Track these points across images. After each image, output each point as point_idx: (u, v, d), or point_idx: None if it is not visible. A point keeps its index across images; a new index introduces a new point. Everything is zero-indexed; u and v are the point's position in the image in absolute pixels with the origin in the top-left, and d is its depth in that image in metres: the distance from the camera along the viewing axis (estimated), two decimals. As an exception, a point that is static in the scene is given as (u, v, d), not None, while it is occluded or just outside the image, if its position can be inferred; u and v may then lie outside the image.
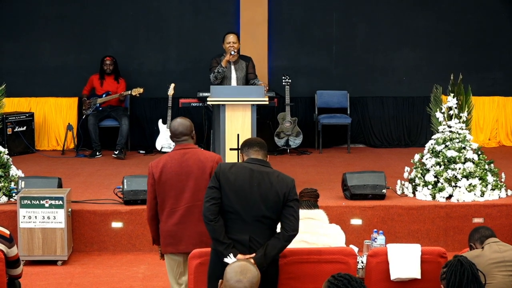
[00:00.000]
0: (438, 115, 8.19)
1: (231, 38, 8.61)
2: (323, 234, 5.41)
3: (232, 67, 8.64)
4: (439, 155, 7.94)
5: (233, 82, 8.61)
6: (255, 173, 4.71)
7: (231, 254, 4.60)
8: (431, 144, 8.13)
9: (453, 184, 7.83)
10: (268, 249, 4.63)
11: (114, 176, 9.08)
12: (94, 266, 7.21)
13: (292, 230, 4.68)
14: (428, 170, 7.96)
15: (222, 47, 8.90)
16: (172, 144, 10.57)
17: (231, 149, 7.45)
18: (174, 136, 5.48)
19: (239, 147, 4.99)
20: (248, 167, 4.74)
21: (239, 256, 4.61)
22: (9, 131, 10.49)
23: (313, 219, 5.45)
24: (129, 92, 10.59)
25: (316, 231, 5.41)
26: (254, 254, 4.63)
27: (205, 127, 10.69)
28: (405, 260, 5.28)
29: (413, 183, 8.03)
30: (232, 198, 4.66)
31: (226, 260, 4.58)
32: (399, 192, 8.07)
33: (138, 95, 10.57)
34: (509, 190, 8.00)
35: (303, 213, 5.47)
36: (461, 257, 4.44)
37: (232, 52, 8.50)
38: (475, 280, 4.35)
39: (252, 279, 3.94)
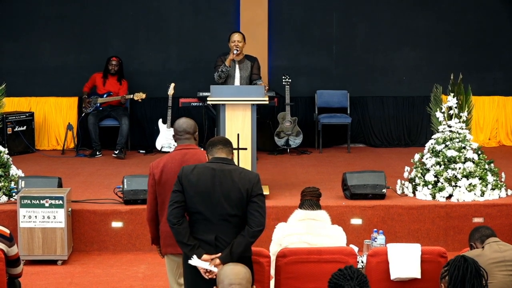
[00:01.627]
0: (438, 114, 8.19)
1: (236, 37, 8.61)
2: (325, 235, 5.41)
3: (237, 66, 8.64)
4: (439, 154, 7.95)
5: (237, 81, 8.61)
6: (217, 172, 4.69)
7: (194, 255, 4.62)
8: (431, 144, 8.13)
9: (453, 183, 7.83)
10: (233, 247, 4.64)
11: (114, 176, 9.08)
12: (94, 265, 7.21)
13: (257, 226, 4.65)
14: (428, 170, 7.96)
15: (223, 46, 8.89)
16: (173, 144, 10.62)
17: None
18: (176, 133, 5.45)
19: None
20: (210, 167, 4.73)
21: (205, 256, 4.62)
22: (9, 130, 10.49)
23: (315, 220, 5.45)
24: (131, 96, 10.57)
25: (318, 232, 5.41)
26: (219, 254, 4.64)
27: (205, 127, 10.70)
28: (405, 260, 5.28)
29: (413, 183, 8.03)
30: (196, 200, 4.66)
31: (190, 262, 4.62)
32: (399, 192, 8.07)
33: (140, 100, 10.56)
34: (509, 190, 8.00)
35: (304, 213, 5.47)
36: (464, 254, 4.46)
37: (235, 52, 8.50)
38: (478, 276, 4.38)
39: (245, 278, 3.98)
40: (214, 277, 4.52)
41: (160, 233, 5.42)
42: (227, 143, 4.89)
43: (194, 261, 4.60)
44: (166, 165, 5.32)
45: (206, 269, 4.61)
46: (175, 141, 5.54)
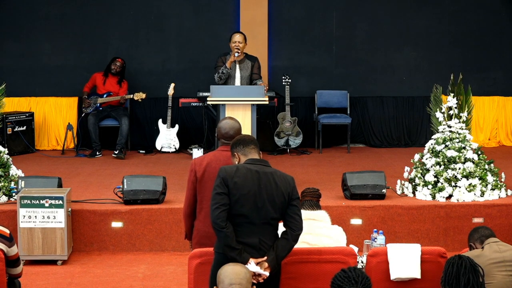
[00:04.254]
0: (438, 115, 8.19)
1: (237, 37, 8.59)
2: (325, 236, 5.41)
3: (237, 66, 8.63)
4: (439, 155, 7.95)
5: (237, 81, 8.60)
6: (261, 174, 4.64)
7: (251, 261, 4.55)
8: (431, 144, 8.13)
9: (453, 184, 7.83)
10: (278, 250, 4.63)
11: (114, 176, 9.08)
12: (94, 265, 7.21)
13: (298, 229, 4.68)
14: (428, 170, 7.96)
15: (223, 46, 8.88)
16: (172, 144, 10.63)
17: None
18: (223, 137, 5.38)
19: (231, 146, 4.91)
20: (253, 169, 4.65)
21: (251, 259, 4.57)
22: (9, 130, 10.49)
23: (315, 220, 5.45)
24: (131, 96, 10.57)
25: (318, 232, 5.41)
26: (265, 257, 4.61)
27: (205, 127, 10.70)
28: (405, 260, 5.28)
29: (413, 183, 8.03)
30: (241, 203, 4.59)
31: (247, 267, 4.55)
32: (399, 192, 8.07)
33: (140, 100, 10.55)
34: (509, 190, 8.00)
35: (305, 214, 5.47)
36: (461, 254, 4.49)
37: (236, 54, 8.48)
38: (473, 271, 4.39)
39: (245, 278, 3.99)
40: (262, 280, 4.54)
41: (195, 230, 5.38)
42: (256, 143, 4.85)
43: (251, 266, 4.53)
44: (210, 164, 5.27)
45: (256, 273, 4.55)
46: (218, 141, 5.45)
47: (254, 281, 4.53)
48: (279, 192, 4.63)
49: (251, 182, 4.61)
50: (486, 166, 7.97)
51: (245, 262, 4.54)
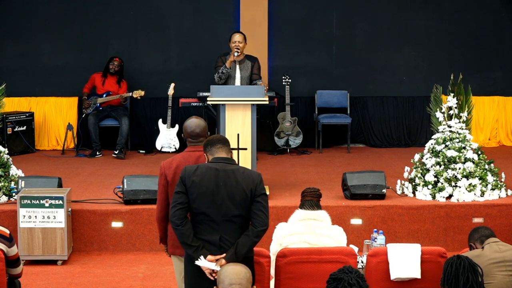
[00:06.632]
0: (438, 115, 8.20)
1: (237, 37, 8.58)
2: (326, 236, 5.41)
3: (237, 66, 8.62)
4: (439, 155, 7.95)
5: (237, 81, 8.59)
6: (220, 172, 4.68)
7: (201, 256, 4.59)
8: (431, 144, 8.13)
9: (453, 184, 7.83)
10: (238, 248, 4.62)
11: (114, 175, 9.08)
12: (94, 265, 7.21)
13: (261, 226, 4.64)
14: (428, 170, 7.96)
15: (223, 46, 8.88)
16: (172, 144, 10.63)
17: (231, 149, 7.43)
18: (190, 137, 5.38)
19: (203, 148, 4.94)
20: (213, 167, 4.70)
21: (209, 257, 4.60)
22: (9, 130, 10.49)
23: (315, 220, 5.45)
24: (130, 94, 10.58)
25: (318, 232, 5.41)
26: (224, 254, 4.62)
27: (205, 127, 10.68)
28: (405, 260, 5.28)
29: (413, 183, 8.04)
30: (200, 201, 4.64)
31: (197, 262, 4.59)
32: (399, 192, 8.07)
33: (139, 97, 10.56)
34: (509, 190, 8.00)
35: (305, 213, 5.48)
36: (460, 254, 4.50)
37: (236, 54, 8.48)
38: (472, 270, 4.40)
39: (245, 278, 4.00)
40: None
41: (169, 233, 5.36)
42: (226, 142, 4.88)
43: (201, 261, 4.59)
44: (179, 166, 5.23)
45: (212, 270, 4.59)
46: (186, 142, 5.47)
47: (211, 278, 4.57)
48: (239, 189, 4.64)
49: (209, 180, 4.65)
50: (486, 166, 7.97)
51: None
